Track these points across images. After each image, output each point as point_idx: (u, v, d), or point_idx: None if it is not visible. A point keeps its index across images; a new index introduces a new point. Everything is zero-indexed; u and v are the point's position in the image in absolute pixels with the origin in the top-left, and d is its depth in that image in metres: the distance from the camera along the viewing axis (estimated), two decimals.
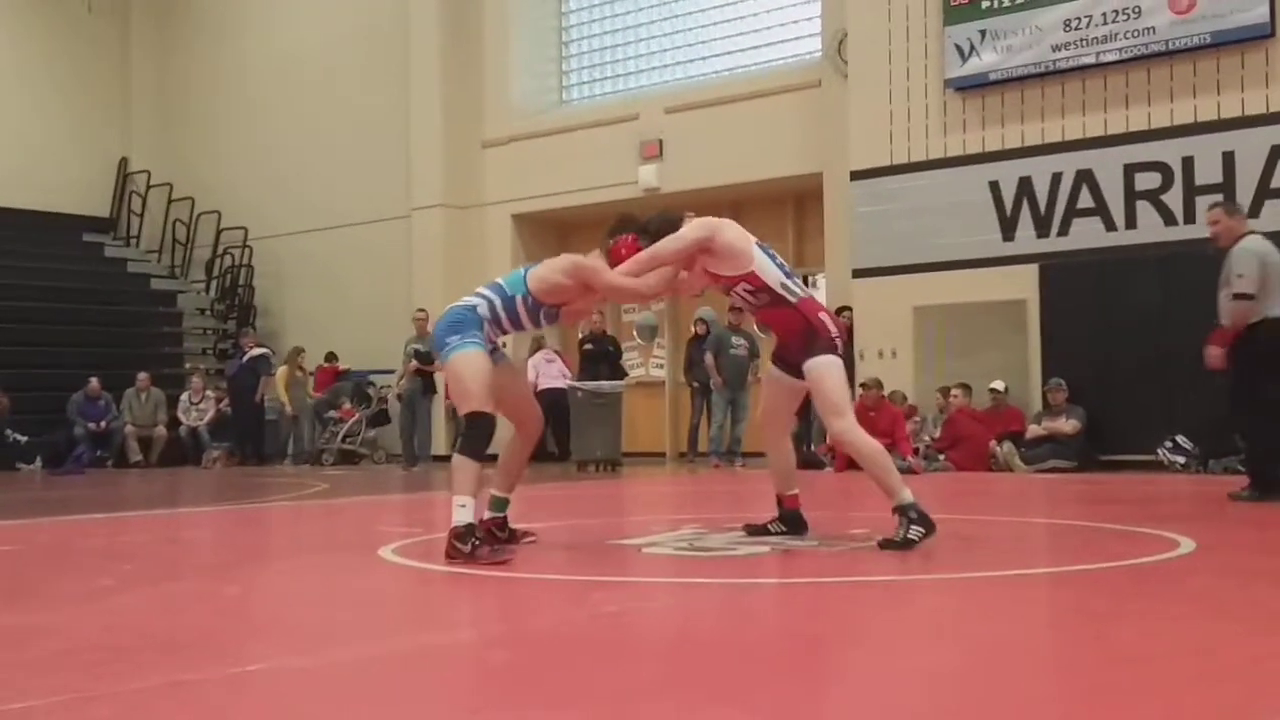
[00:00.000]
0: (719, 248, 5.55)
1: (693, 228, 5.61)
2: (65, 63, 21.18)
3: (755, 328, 14.45)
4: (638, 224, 5.79)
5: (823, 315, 5.57)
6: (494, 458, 5.72)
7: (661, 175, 16.25)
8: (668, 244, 5.54)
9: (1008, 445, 12.39)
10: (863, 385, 12.80)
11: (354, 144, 18.80)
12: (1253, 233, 8.11)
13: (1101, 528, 6.55)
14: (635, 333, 17.56)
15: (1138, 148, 12.40)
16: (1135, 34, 12.37)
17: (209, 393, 17.62)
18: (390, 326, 16.81)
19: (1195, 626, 3.75)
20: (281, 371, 17.15)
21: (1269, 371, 7.68)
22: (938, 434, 12.89)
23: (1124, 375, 12.19)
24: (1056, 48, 12.79)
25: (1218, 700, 2.81)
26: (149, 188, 21.31)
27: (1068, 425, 12.24)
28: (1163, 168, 12.28)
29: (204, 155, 20.92)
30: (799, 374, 5.64)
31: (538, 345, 15.93)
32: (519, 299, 5.56)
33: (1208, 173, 12.02)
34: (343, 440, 16.67)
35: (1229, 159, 11.92)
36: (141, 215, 21.39)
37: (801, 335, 5.54)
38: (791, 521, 5.95)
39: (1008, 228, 13.10)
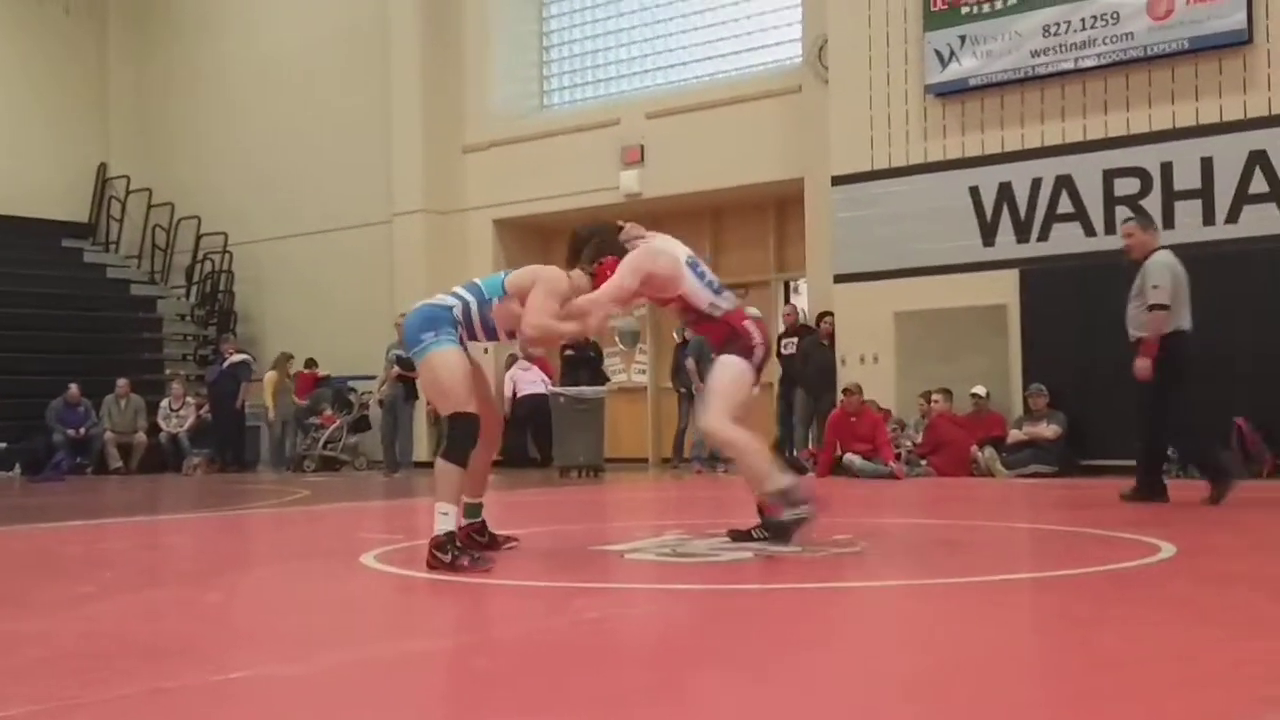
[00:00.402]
0: (652, 279, 5.66)
1: (631, 270, 5.60)
2: (42, 66, 21.07)
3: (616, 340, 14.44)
4: (586, 240, 5.79)
5: (747, 323, 5.72)
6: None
7: (643, 180, 16.27)
8: (610, 291, 5.56)
9: (989, 450, 12.42)
10: (844, 391, 12.84)
11: (335, 149, 18.75)
12: (1163, 247, 8.47)
13: (1082, 532, 6.57)
14: (617, 338, 17.51)
15: (1117, 153, 12.46)
16: (1114, 40, 12.43)
17: (189, 399, 17.54)
18: (371, 332, 16.78)
19: (1177, 631, 3.76)
20: (270, 377, 17.06)
21: (1173, 382, 8.00)
22: (919, 439, 12.91)
23: (1104, 380, 12.20)
24: (1036, 53, 12.85)
25: (1200, 705, 2.82)
26: (128, 193, 21.21)
27: (1049, 430, 12.29)
28: (1141, 173, 12.34)
29: (183, 160, 20.83)
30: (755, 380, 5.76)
31: (513, 358, 15.94)
32: (495, 302, 5.52)
33: (1186, 178, 12.09)
34: (324, 446, 16.62)
35: (1207, 164, 11.99)
36: (121, 220, 21.29)
37: (724, 341, 5.72)
38: (773, 527, 5.93)
39: (988, 233, 13.14)
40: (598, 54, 17.85)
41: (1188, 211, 12.07)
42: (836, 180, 13.99)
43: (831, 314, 14.03)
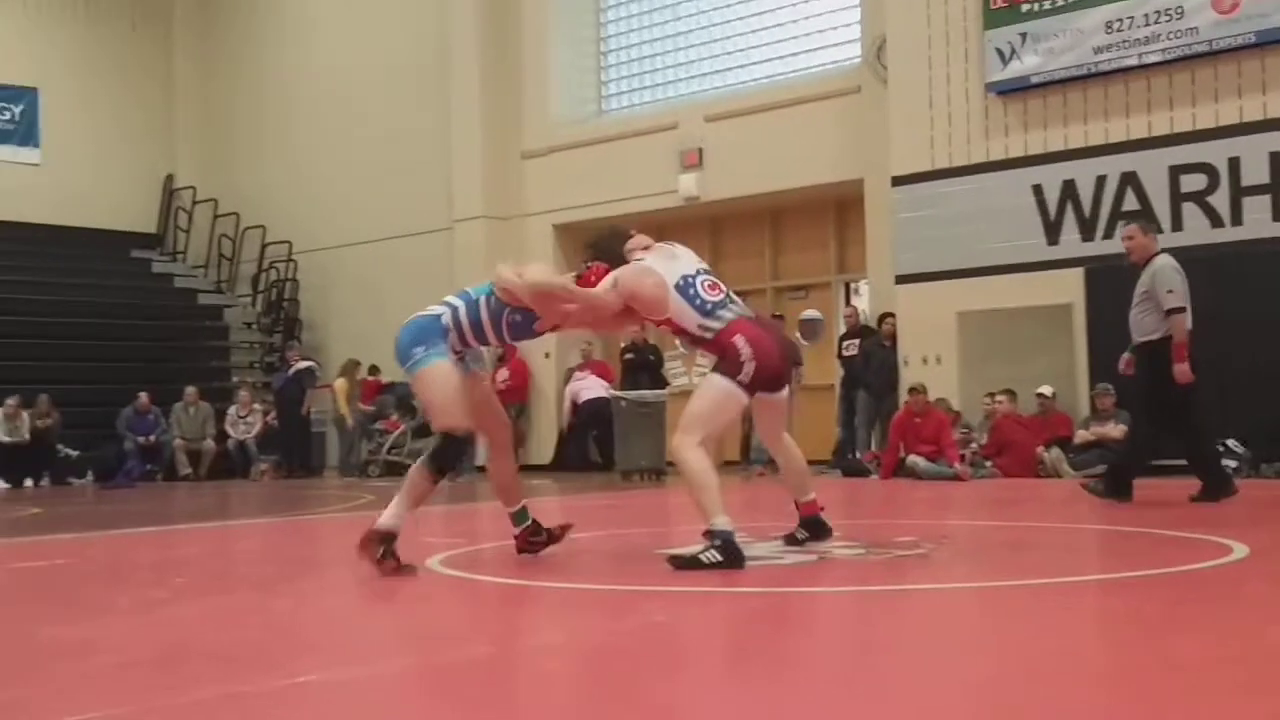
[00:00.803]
0: (637, 299, 5.48)
1: (616, 283, 5.48)
2: (110, 81, 21.47)
3: (798, 335, 14.43)
4: (591, 244, 5.79)
5: (738, 338, 5.34)
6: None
7: (702, 184, 16.26)
8: (590, 296, 5.46)
9: (1056, 451, 12.28)
10: (911, 390, 12.73)
11: (395, 157, 18.92)
12: (1163, 251, 8.52)
13: (1153, 533, 6.48)
14: (677, 341, 17.57)
15: (1183, 149, 12.29)
16: (1178, 34, 12.26)
17: (256, 406, 17.76)
18: None
19: (1249, 633, 3.70)
20: (340, 384, 17.22)
21: (1166, 385, 8.03)
22: (984, 441, 12.80)
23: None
24: (1098, 50, 12.70)
25: (1272, 709, 2.78)
26: (194, 204, 21.56)
27: (1116, 430, 12.11)
28: (1208, 169, 12.16)
29: (248, 170, 21.14)
30: (771, 389, 5.54)
31: (570, 371, 16.12)
32: (482, 299, 5.48)
33: (1255, 173, 11.89)
34: (388, 452, 16.75)
35: (1276, 159, 11.79)
36: (188, 231, 21.64)
37: (718, 356, 5.46)
38: (812, 526, 5.88)
39: (1052, 231, 13.01)
40: (656, 58, 17.86)
41: (1256, 207, 11.88)
42: (897, 180, 13.91)
43: (893, 315, 13.94)
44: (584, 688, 3.25)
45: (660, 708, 2.96)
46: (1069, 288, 12.82)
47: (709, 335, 5.41)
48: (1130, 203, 12.55)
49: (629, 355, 15.28)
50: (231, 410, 17.68)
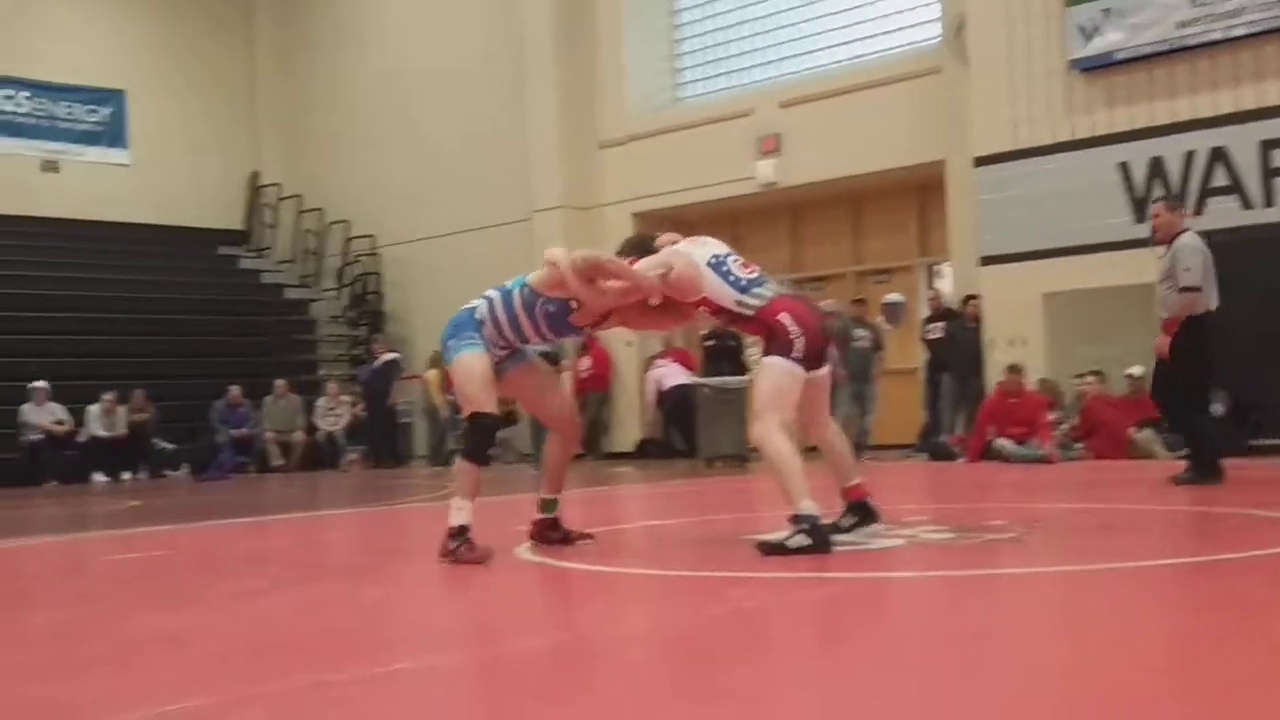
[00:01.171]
0: (671, 281, 5.50)
1: (655, 263, 5.51)
2: (195, 81, 21.87)
3: (881, 319, 14.32)
4: (621, 246, 5.82)
5: (783, 316, 5.34)
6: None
7: (780, 169, 16.18)
8: (639, 274, 5.46)
9: (1148, 432, 12.05)
10: (1010, 368, 12.54)
11: (474, 149, 19.06)
12: (1186, 229, 8.50)
13: (1249, 514, 6.35)
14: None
15: (1274, 123, 11.99)
16: (1266, 6, 11.95)
17: (344, 398, 18.02)
18: None
19: None
20: (432, 375, 17.38)
21: (1195, 360, 8.11)
22: (1074, 422, 12.61)
23: (1269, 357, 11.79)
24: (1183, 24, 12.42)
25: None
26: (280, 200, 21.90)
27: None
28: None
29: (330, 166, 21.41)
30: (811, 367, 5.46)
31: (651, 359, 16.14)
32: (517, 291, 5.54)
33: None
34: None
35: None
36: (274, 227, 22.00)
37: (766, 340, 5.45)
38: (860, 512, 5.79)
39: (1139, 209, 12.75)
40: (731, 44, 17.79)
41: None
42: (979, 161, 13.73)
43: (978, 297, 13.78)
44: (671, 675, 3.26)
45: (749, 695, 2.96)
46: (1158, 265, 12.53)
47: (749, 312, 5.42)
48: (1220, 179, 12.28)
49: (710, 342, 15.27)
50: (320, 402, 17.94)
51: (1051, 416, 12.45)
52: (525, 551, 5.66)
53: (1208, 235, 12.19)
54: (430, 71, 19.75)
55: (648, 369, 16.28)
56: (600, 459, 16.74)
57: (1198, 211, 12.41)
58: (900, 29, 16.02)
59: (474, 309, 5.57)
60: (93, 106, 21.14)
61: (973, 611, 4.05)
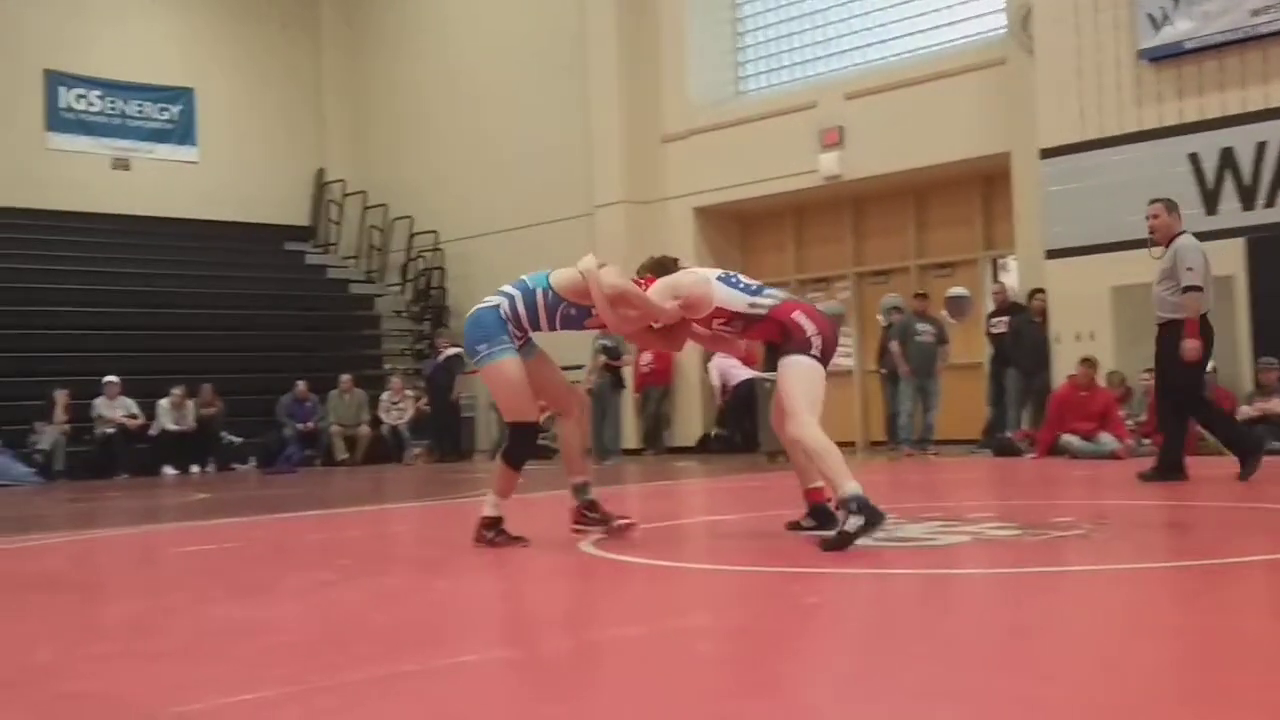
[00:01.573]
0: (686, 299, 5.67)
1: (665, 288, 5.67)
2: (263, 81, 22.16)
3: (945, 313, 14.20)
4: (656, 265, 5.95)
5: (798, 315, 5.53)
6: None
7: (843, 163, 16.10)
8: (657, 305, 5.64)
9: None
10: (1084, 360, 12.40)
11: (536, 145, 19.14)
12: (1184, 232, 8.51)
13: None
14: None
15: None
16: None
17: (408, 392, 18.17)
18: None
19: None
20: None
21: (1184, 363, 8.18)
22: (1143, 418, 12.44)
23: None
24: (1256, 12, 12.20)
25: None
26: (345, 196, 22.12)
27: None
28: None
29: (395, 163, 21.60)
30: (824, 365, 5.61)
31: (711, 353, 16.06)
32: (539, 292, 5.67)
33: None
34: None
35: None
36: (339, 223, 22.23)
37: (780, 338, 5.59)
38: (819, 515, 5.79)
39: (1210, 201, 12.57)
40: (793, 37, 17.72)
41: None
42: (1045, 153, 13.58)
43: (1043, 291, 13.63)
44: (737, 669, 3.27)
45: (814, 689, 2.96)
46: (1229, 259, 12.35)
47: (761, 312, 5.58)
48: None
49: None
50: (384, 396, 18.11)
51: (1122, 412, 12.30)
52: (588, 546, 5.69)
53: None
54: (493, 67, 19.85)
55: (709, 358, 16.22)
56: (662, 453, 16.76)
57: (1269, 204, 12.21)
58: (964, 20, 15.89)
59: (496, 307, 5.68)
60: (163, 105, 21.48)
61: (1039, 608, 4.02)
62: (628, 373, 16.31)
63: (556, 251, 18.75)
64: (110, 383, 16.40)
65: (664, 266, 5.91)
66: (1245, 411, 11.88)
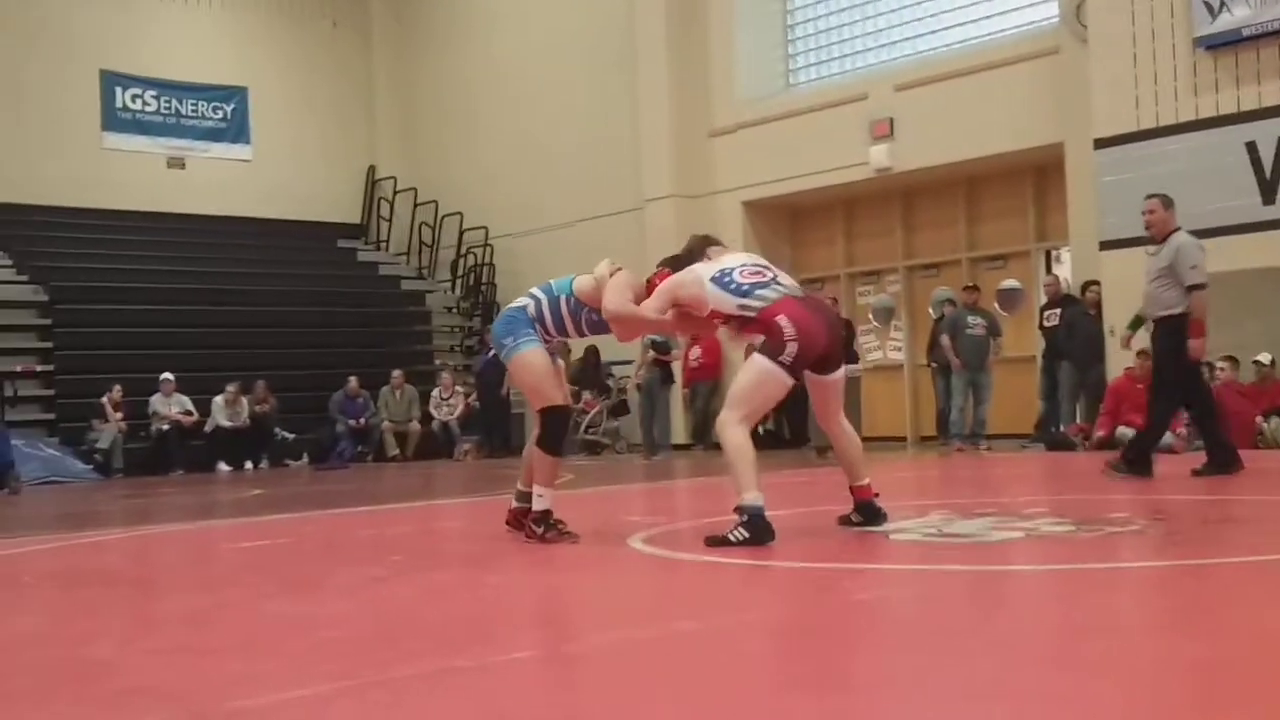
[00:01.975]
0: (684, 303, 5.73)
1: (663, 292, 5.75)
2: (314, 79, 22.33)
3: (997, 306, 14.08)
4: (674, 258, 5.99)
5: (781, 318, 5.43)
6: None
7: (893, 154, 15.99)
8: (654, 320, 5.79)
9: (1276, 421, 11.70)
10: (1140, 353, 12.26)
11: (584, 140, 19.17)
12: (1180, 228, 8.48)
13: None
14: (871, 315, 17.36)
15: None
16: None
17: (458, 388, 18.26)
18: None
19: None
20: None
21: (1180, 359, 8.18)
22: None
23: None
24: None
25: None
26: (395, 193, 22.26)
27: None
28: None
29: (445, 159, 21.71)
30: (822, 370, 5.67)
31: (751, 346, 15.99)
32: (563, 299, 5.83)
33: None
34: (585, 431, 17.03)
35: None
36: (390, 220, 22.37)
37: (765, 337, 5.56)
38: (866, 511, 5.77)
39: (1268, 191, 12.37)
40: (842, 29, 17.62)
41: None
42: (1100, 143, 13.42)
43: (1098, 283, 13.48)
44: (789, 665, 3.26)
45: (865, 686, 2.95)
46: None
47: (751, 314, 5.56)
48: None
49: None
50: (435, 392, 18.20)
51: None
52: (638, 542, 5.70)
53: None
54: (541, 62, 19.89)
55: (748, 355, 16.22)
56: (710, 449, 16.73)
57: None
58: (1018, 9, 15.72)
59: (524, 307, 5.87)
60: (217, 104, 21.70)
61: (1093, 605, 3.97)
62: (677, 368, 16.31)
63: (606, 247, 18.74)
64: (166, 380, 16.60)
65: (691, 255, 5.90)
66: None
